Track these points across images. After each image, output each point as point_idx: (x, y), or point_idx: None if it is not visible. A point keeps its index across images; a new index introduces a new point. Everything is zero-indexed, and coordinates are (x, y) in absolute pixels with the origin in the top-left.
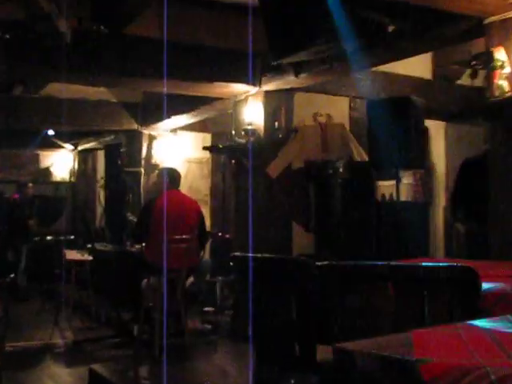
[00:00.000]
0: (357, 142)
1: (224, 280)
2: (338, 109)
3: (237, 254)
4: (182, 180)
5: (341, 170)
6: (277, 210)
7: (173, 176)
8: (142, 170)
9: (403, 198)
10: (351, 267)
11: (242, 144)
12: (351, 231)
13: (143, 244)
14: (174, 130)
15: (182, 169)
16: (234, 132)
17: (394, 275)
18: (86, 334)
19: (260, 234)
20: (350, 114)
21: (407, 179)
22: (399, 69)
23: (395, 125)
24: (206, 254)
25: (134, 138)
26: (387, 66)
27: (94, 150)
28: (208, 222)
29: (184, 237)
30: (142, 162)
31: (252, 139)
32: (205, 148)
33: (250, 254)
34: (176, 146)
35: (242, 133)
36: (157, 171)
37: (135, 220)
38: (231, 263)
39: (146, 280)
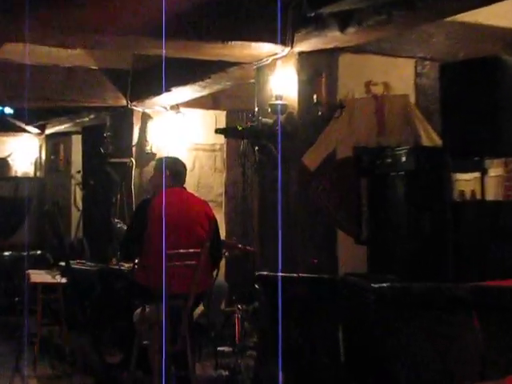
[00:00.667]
0: (426, 120)
1: (245, 309)
2: (399, 75)
3: (263, 273)
4: (188, 174)
5: (404, 159)
6: (316, 215)
7: (175, 169)
8: (134, 162)
9: (491, 196)
10: (420, 291)
11: (268, 125)
12: (419, 242)
13: (135, 261)
14: (175, 107)
15: (187, 159)
16: (257, 109)
17: (481, 302)
18: (57, 383)
19: (294, 245)
20: (416, 82)
21: (496, 170)
22: (485, 18)
23: (479, 96)
24: (221, 275)
25: (123, 118)
26: (468, 14)
27: (68, 135)
28: (222, 231)
29: (191, 251)
30: (134, 150)
31: (282, 118)
32: (218, 131)
33: (281, 274)
34: (179, 129)
35: (269, 110)
36: (153, 162)
37: (124, 228)
38: (255, 286)
39: (139, 310)
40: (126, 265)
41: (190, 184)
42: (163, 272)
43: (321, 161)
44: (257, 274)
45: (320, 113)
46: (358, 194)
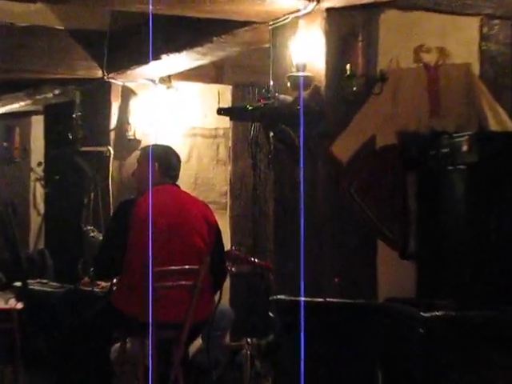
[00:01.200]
0: (493, 97)
1: (256, 344)
2: (459, 39)
3: (280, 296)
4: (183, 168)
5: (465, 148)
6: (349, 221)
7: (166, 161)
8: (111, 151)
9: None
10: (483, 321)
11: (286, 104)
12: (484, 258)
13: (114, 281)
14: (166, 80)
15: (181, 148)
16: (272, 83)
17: None
18: None
19: (320, 261)
20: (482, 47)
21: None
22: None
23: None
24: (225, 298)
25: (97, 95)
26: None
27: (26, 116)
28: (227, 241)
29: (186, 268)
30: (112, 135)
31: (305, 95)
32: (221, 111)
33: (304, 298)
34: (171, 108)
35: (288, 84)
36: (137, 152)
37: (99, 238)
38: (270, 314)
39: (118, 345)
40: (102, 285)
41: (185, 180)
42: (150, 295)
43: (355, 151)
44: (272, 297)
45: (355, 88)
46: (405, 194)
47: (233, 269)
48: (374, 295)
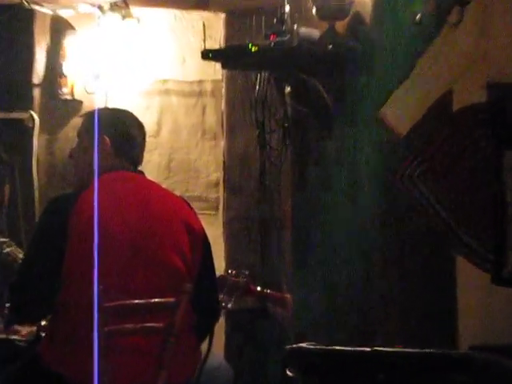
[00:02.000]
0: None
1: None
2: None
3: (304, 345)
4: (150, 144)
5: None
6: (410, 224)
7: (121, 133)
8: (36, 118)
9: None
10: None
11: (311, 41)
12: None
13: (42, 323)
14: (120, 7)
15: (146, 113)
16: (288, 9)
17: None
18: None
19: (366, 290)
20: None
21: None
22: None
23: None
24: (218, 349)
25: (13, 30)
26: None
27: None
28: (219, 258)
29: (156, 301)
30: (36, 93)
31: (339, 27)
32: (209, 54)
33: (339, 347)
34: (129, 50)
35: (313, 9)
36: (78, 120)
37: (19, 256)
38: (287, 371)
39: None
40: (23, 332)
41: (154, 164)
42: (95, 346)
43: (419, 116)
44: (290, 347)
45: (418, 17)
46: (499, 181)
47: (229, 304)
48: (453, 342)
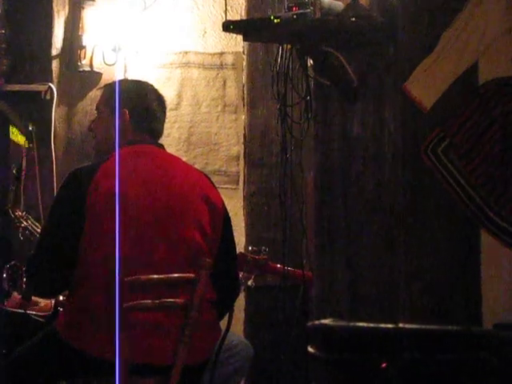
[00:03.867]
0: None
1: None
2: None
3: (325, 322)
4: (170, 117)
5: None
6: (438, 204)
7: (141, 106)
8: (55, 90)
9: None
10: None
11: (334, 13)
12: None
13: (60, 298)
14: None
15: (166, 86)
16: None
17: None
18: None
19: (392, 268)
20: None
21: None
22: None
23: None
24: (238, 327)
25: (31, 1)
26: None
27: None
28: (241, 234)
29: (175, 276)
30: (54, 65)
31: None
32: (230, 26)
33: (361, 324)
34: (148, 22)
35: None
36: (97, 92)
37: (37, 231)
38: (309, 348)
39: None
40: (42, 304)
41: (174, 138)
42: (116, 321)
43: (445, 90)
44: (311, 323)
45: None
46: None
47: (249, 281)
48: (477, 319)
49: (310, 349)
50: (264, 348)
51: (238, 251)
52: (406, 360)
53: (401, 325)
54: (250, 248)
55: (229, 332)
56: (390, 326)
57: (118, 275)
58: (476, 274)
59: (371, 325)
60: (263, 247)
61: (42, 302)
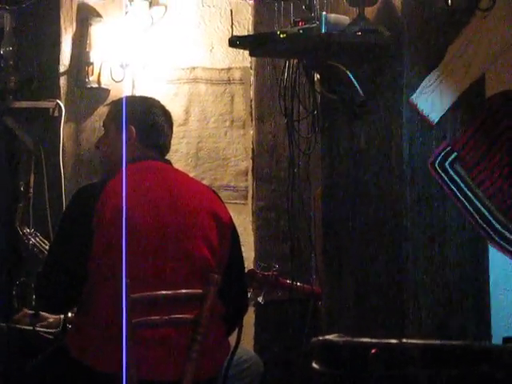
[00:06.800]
0: None
1: None
2: None
3: (330, 337)
4: (177, 133)
5: None
6: (447, 217)
7: (148, 122)
8: (63, 107)
9: None
10: None
11: (340, 28)
12: None
13: (69, 315)
14: None
15: (174, 101)
16: None
17: None
18: None
19: (399, 283)
20: None
21: None
22: None
23: None
24: (247, 342)
25: (39, 18)
26: None
27: None
28: (249, 249)
29: (183, 292)
30: (62, 82)
31: (369, 12)
32: (237, 42)
33: (366, 340)
34: (156, 38)
35: None
36: (104, 109)
37: (46, 247)
38: (313, 364)
39: None
40: (51, 319)
41: (182, 153)
42: (124, 337)
43: (451, 103)
44: (315, 339)
45: (450, 1)
46: None
47: (259, 298)
48: (486, 333)
49: (314, 365)
50: (274, 363)
51: (247, 267)
52: (410, 375)
53: (404, 340)
54: (259, 264)
55: (239, 347)
56: (393, 341)
57: (126, 291)
58: (484, 288)
59: (375, 340)
60: (273, 263)
61: (51, 317)
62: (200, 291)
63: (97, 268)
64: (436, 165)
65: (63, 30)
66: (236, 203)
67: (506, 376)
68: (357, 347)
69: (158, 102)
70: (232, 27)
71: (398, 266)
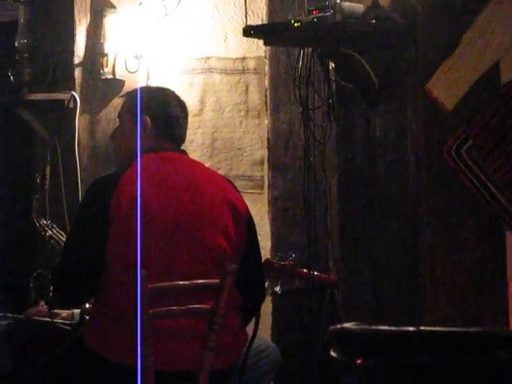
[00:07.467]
0: None
1: None
2: None
3: (348, 325)
4: (192, 123)
5: None
6: (462, 204)
7: (163, 112)
8: (78, 99)
9: None
10: None
11: (354, 16)
12: None
13: (86, 306)
14: None
15: (188, 91)
16: None
17: None
18: None
19: (415, 269)
20: None
21: None
22: None
23: None
24: (265, 329)
25: (53, 9)
26: None
27: None
28: (265, 239)
29: (200, 283)
30: (77, 74)
31: (384, 1)
32: (251, 31)
33: (386, 327)
34: (170, 29)
35: None
36: (119, 100)
37: (62, 239)
38: (332, 353)
39: None
40: (67, 314)
41: (197, 144)
42: (139, 328)
43: (466, 90)
44: (332, 328)
45: None
46: None
47: (276, 288)
48: (502, 320)
49: (332, 353)
50: (291, 352)
51: (263, 256)
52: (427, 362)
53: (422, 328)
54: (276, 254)
55: (256, 337)
56: (411, 329)
57: (143, 282)
58: (501, 275)
59: (392, 328)
60: (290, 253)
61: (64, 312)
62: (217, 281)
63: (113, 259)
64: (452, 152)
65: (77, 22)
66: (252, 193)
67: None
68: (374, 335)
69: (173, 92)
70: (246, 17)
71: (416, 253)
